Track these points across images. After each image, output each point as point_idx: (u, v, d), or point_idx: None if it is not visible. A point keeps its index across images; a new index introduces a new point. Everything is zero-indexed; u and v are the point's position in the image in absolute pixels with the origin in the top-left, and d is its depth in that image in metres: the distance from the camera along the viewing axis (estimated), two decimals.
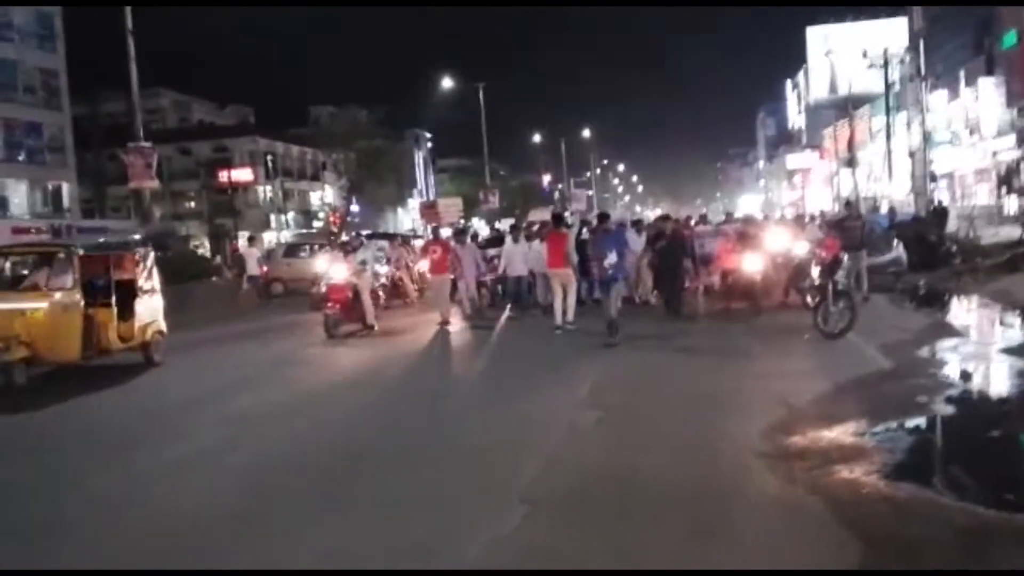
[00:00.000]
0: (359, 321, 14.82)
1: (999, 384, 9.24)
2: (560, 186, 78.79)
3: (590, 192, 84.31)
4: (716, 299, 15.88)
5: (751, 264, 14.57)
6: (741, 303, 14.66)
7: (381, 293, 16.17)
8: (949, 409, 7.61)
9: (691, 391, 8.71)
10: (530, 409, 8.28)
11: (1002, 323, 13.49)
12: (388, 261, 20.27)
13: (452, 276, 16.18)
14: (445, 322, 15.20)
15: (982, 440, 6.89)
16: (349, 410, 8.96)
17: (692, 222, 21.31)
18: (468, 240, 17.82)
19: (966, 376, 8.91)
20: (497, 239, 20.53)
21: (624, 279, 13.69)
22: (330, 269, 15.21)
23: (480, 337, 14.47)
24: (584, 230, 17.12)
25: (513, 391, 9.39)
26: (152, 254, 12.96)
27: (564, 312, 13.65)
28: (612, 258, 12.23)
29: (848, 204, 17.72)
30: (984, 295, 15.97)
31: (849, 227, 15.54)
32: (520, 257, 16.57)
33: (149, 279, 12.44)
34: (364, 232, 42.02)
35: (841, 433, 6.71)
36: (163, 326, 12.54)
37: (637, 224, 19.09)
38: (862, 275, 15.31)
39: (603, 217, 14.54)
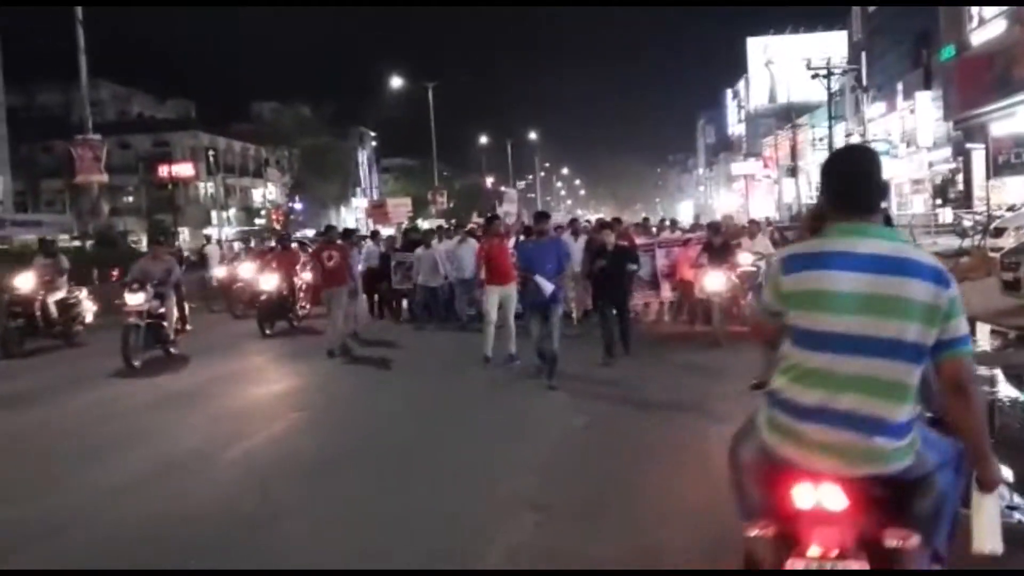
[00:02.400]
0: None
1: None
2: (502, 188, 79.09)
3: (532, 195, 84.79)
4: (673, 320, 14.42)
5: (714, 283, 11.87)
6: (703, 327, 12.60)
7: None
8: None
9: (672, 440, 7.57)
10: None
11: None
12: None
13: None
14: (333, 352, 12.22)
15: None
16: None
17: (654, 228, 18.05)
18: (354, 244, 15.31)
19: None
20: (415, 243, 16.96)
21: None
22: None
23: (340, 376, 11.10)
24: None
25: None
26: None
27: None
28: (550, 272, 9.42)
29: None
30: None
31: None
32: (432, 264, 14.90)
33: None
34: (308, 232, 41.70)
35: None
36: None
37: (573, 225, 15.79)
38: None
39: (541, 216, 10.77)
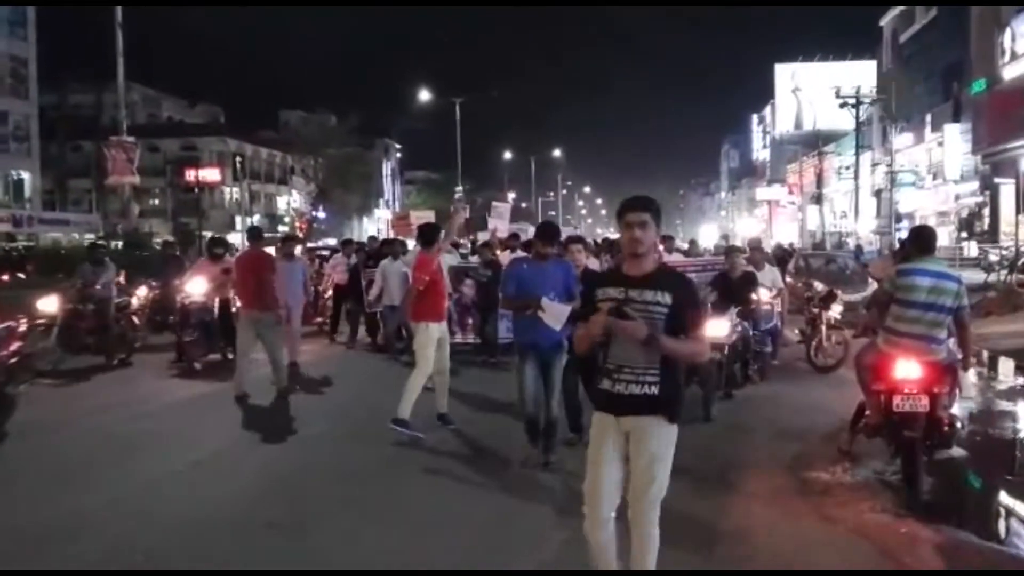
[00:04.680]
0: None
1: (997, 428, 9.40)
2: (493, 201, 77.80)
3: (552, 212, 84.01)
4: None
5: (716, 331, 8.59)
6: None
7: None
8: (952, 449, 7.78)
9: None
10: None
11: (992, 369, 13.34)
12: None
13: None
14: (243, 395, 9.64)
15: (990, 480, 7.05)
16: None
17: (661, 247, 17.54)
18: (297, 254, 12.51)
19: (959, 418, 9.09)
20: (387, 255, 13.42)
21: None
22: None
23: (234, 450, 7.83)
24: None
25: None
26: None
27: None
28: (555, 305, 6.54)
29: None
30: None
31: None
32: (400, 280, 11.86)
33: None
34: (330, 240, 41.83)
35: (856, 469, 6.81)
36: None
37: (573, 244, 11.03)
38: None
39: (547, 232, 7.13)
